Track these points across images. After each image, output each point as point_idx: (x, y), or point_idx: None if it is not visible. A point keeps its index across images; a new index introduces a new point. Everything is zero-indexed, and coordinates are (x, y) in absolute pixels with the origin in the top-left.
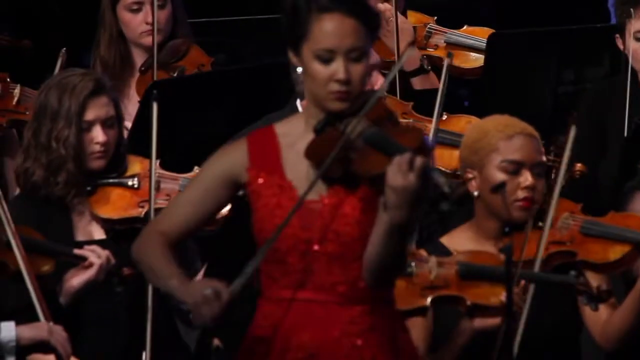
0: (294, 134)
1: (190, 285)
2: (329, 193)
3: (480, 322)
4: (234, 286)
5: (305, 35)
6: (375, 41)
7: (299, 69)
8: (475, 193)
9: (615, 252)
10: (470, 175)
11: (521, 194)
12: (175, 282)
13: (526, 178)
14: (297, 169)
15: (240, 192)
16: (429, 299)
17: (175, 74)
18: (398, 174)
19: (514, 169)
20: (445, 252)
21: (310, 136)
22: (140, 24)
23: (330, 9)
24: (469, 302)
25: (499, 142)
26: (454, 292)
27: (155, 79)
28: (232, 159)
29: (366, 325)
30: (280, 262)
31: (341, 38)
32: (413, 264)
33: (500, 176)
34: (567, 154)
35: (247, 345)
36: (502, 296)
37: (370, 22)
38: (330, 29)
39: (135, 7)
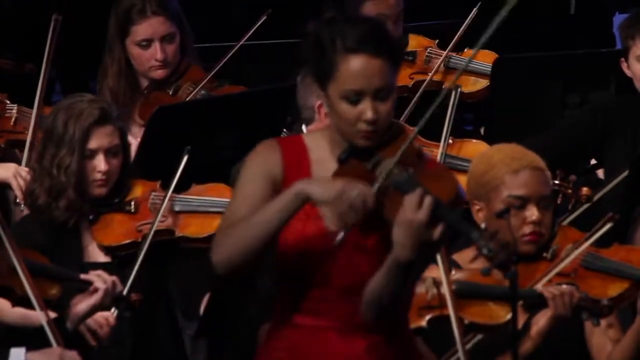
0: (321, 150)
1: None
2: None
3: (535, 330)
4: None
5: (331, 74)
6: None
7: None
8: (483, 225)
9: (614, 288)
10: (477, 207)
11: (527, 229)
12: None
13: (532, 213)
14: None
15: None
16: (426, 319)
17: (170, 92)
18: (407, 209)
19: (520, 204)
20: (457, 267)
21: (334, 161)
22: (149, 59)
23: (356, 50)
24: (466, 321)
25: (505, 175)
26: None
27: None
28: (269, 159)
29: (382, 354)
30: (301, 290)
31: (369, 79)
32: None
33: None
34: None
35: None
36: (502, 314)
37: (396, 58)
38: (357, 70)
39: (144, 43)
